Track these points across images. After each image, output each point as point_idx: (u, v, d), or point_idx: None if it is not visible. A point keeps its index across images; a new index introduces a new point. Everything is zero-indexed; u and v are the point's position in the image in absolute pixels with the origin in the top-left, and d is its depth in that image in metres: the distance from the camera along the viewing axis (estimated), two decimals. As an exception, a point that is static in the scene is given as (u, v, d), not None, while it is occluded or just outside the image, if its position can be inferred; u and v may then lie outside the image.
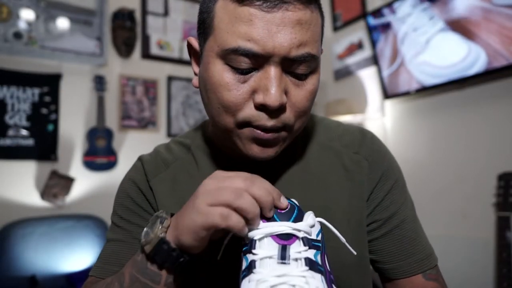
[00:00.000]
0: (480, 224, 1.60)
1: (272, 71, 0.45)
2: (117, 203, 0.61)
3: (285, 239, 0.38)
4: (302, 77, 0.48)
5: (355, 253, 0.46)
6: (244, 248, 0.40)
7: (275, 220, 0.40)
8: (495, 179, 1.53)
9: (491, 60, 1.53)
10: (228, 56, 0.45)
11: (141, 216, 0.59)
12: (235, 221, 0.38)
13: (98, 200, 1.98)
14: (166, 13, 2.31)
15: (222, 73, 0.46)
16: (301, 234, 0.39)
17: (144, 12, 2.24)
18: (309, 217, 0.41)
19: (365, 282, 0.57)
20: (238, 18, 0.44)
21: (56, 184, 1.85)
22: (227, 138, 0.51)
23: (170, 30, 2.31)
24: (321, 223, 0.44)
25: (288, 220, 0.40)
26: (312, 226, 0.41)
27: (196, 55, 0.55)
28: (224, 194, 0.39)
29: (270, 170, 0.57)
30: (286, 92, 0.46)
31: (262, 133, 0.47)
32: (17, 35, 1.84)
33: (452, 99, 1.76)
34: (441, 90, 1.79)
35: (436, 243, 0.61)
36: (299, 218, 0.41)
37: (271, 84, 0.44)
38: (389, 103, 2.08)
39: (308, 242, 0.39)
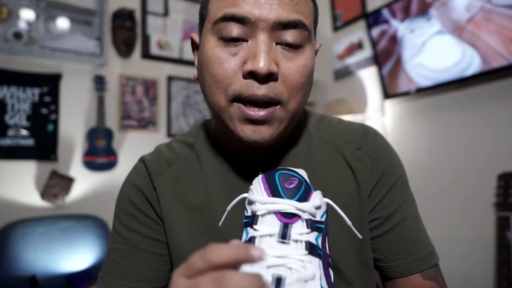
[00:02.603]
0: (480, 224, 1.60)
1: (261, 38, 0.45)
2: (119, 208, 0.60)
3: (288, 218, 0.38)
4: (292, 47, 0.47)
5: (360, 236, 0.45)
6: (245, 220, 0.40)
7: (281, 196, 0.39)
8: (495, 179, 1.53)
9: (485, 64, 1.53)
10: (218, 27, 0.46)
11: (142, 222, 0.58)
12: None
13: (98, 200, 1.98)
14: (166, 13, 2.31)
15: (214, 49, 0.47)
16: (305, 216, 0.38)
17: (144, 12, 2.24)
18: (317, 198, 0.40)
19: (369, 280, 0.57)
20: None
21: (56, 184, 1.85)
22: (222, 124, 0.51)
23: (170, 30, 2.31)
24: (328, 204, 0.43)
25: (293, 197, 0.39)
26: (318, 208, 0.40)
27: (197, 49, 0.55)
28: None
29: (274, 167, 0.57)
30: (277, 64, 0.46)
31: (252, 113, 0.46)
32: (17, 35, 1.84)
33: (452, 99, 1.76)
34: (441, 90, 1.79)
35: (436, 243, 0.61)
36: (305, 195, 0.40)
37: (259, 50, 0.44)
38: (389, 103, 2.08)
39: (311, 225, 0.38)
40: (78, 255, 1.76)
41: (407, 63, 1.86)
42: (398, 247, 0.55)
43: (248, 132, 0.47)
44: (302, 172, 0.45)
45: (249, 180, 0.57)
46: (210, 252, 0.29)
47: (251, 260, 0.29)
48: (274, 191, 0.39)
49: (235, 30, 0.45)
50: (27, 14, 1.87)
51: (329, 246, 0.42)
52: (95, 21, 2.07)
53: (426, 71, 1.77)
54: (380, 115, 2.11)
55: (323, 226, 0.40)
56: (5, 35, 1.81)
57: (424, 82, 1.78)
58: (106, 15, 2.09)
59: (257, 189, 0.41)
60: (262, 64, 0.44)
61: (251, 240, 0.37)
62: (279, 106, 0.47)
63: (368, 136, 0.59)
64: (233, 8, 0.44)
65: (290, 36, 0.46)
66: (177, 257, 0.56)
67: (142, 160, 0.62)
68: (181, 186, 0.58)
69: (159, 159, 0.61)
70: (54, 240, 1.73)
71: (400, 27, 1.89)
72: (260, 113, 0.46)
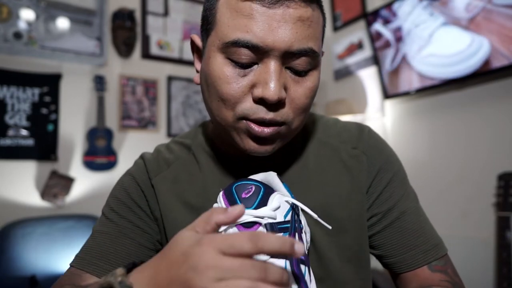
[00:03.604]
0: (480, 224, 1.60)
1: (272, 65, 0.45)
2: (111, 195, 0.61)
3: (249, 227, 0.38)
4: (302, 74, 0.48)
5: (329, 227, 0.46)
6: None
7: None
8: (495, 179, 1.53)
9: (495, 48, 1.51)
10: (229, 49, 0.46)
11: (133, 211, 0.58)
12: None
13: (98, 200, 1.98)
14: (166, 13, 2.31)
15: (222, 67, 0.47)
16: (264, 221, 0.39)
17: (144, 12, 2.24)
18: (274, 200, 0.41)
19: (365, 277, 0.57)
20: (240, 12, 0.45)
21: (56, 184, 1.85)
22: (226, 134, 0.51)
23: (170, 30, 2.31)
24: (292, 203, 0.43)
25: (251, 205, 0.40)
26: (277, 208, 0.41)
27: (198, 52, 0.56)
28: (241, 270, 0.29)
29: (270, 169, 0.57)
30: (285, 88, 0.47)
31: (259, 130, 0.47)
32: (17, 35, 1.84)
33: (452, 99, 1.76)
34: (441, 90, 1.79)
35: (436, 243, 0.61)
36: (264, 200, 0.40)
37: (270, 78, 0.45)
38: (389, 103, 2.08)
39: (272, 228, 0.39)
40: (78, 255, 1.76)
41: (414, 58, 1.84)
42: (400, 241, 0.55)
43: (255, 146, 0.49)
44: (270, 174, 0.46)
45: None
46: (263, 239, 0.29)
47: (294, 254, 0.30)
48: (233, 204, 0.40)
49: (246, 56, 0.45)
50: (27, 14, 1.87)
51: (303, 241, 0.42)
52: (95, 21, 2.07)
53: (437, 59, 1.73)
54: (380, 115, 2.11)
55: (288, 225, 0.40)
56: (5, 35, 1.81)
57: (437, 71, 1.75)
58: (106, 15, 2.09)
59: (219, 206, 0.42)
60: (272, 92, 0.44)
61: None
62: (283, 126, 0.49)
63: (363, 135, 0.60)
64: (246, 35, 0.44)
65: (300, 64, 0.47)
66: None
67: (142, 157, 0.63)
68: (180, 187, 0.58)
69: (158, 159, 0.61)
70: (54, 240, 1.73)
71: (402, 24, 1.89)
72: (266, 130, 0.47)
